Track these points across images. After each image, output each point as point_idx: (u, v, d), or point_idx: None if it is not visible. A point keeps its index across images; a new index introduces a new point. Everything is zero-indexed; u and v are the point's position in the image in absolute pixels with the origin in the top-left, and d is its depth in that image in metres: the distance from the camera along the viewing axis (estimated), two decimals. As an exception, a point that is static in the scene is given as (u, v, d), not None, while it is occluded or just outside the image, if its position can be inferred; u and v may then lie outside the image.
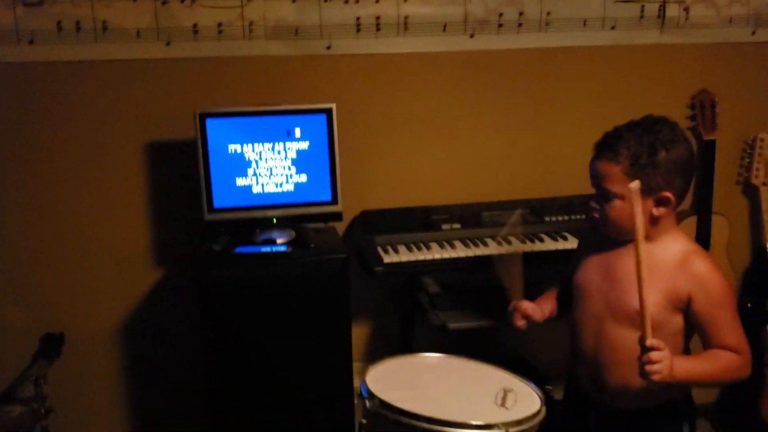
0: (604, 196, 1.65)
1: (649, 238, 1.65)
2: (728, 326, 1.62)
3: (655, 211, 1.62)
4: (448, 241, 2.45)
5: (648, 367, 1.48)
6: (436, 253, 2.37)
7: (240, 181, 2.25)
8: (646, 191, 1.59)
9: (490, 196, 2.62)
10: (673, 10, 2.61)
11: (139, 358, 2.61)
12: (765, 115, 2.76)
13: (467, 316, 2.35)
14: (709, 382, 1.66)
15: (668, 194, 1.61)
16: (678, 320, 1.64)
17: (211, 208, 2.23)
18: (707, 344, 1.64)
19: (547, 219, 2.58)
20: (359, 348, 2.70)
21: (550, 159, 2.69)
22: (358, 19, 2.45)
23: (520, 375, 1.71)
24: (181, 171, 2.42)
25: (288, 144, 2.25)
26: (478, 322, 2.34)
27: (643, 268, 1.44)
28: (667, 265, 1.62)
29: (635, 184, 1.47)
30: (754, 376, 2.68)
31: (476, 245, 2.43)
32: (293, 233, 2.29)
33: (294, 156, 2.27)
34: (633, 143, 1.59)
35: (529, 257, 2.38)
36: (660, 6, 2.60)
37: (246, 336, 2.19)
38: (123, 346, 2.60)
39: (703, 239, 2.71)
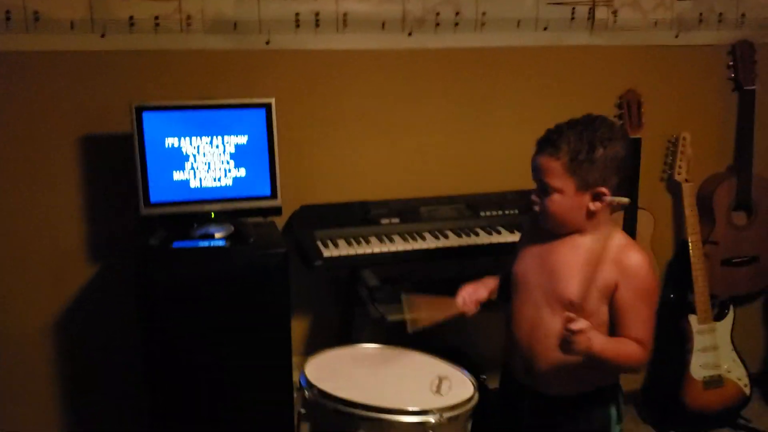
0: (544, 190, 1.70)
1: (585, 230, 1.74)
2: (643, 320, 1.69)
3: (592, 206, 1.70)
4: (387, 236, 2.49)
5: (571, 338, 1.56)
6: (375, 247, 2.41)
7: (177, 176, 2.23)
8: (583, 186, 1.67)
9: (428, 192, 2.68)
10: (602, 12, 2.71)
11: (74, 355, 2.56)
12: (687, 114, 2.90)
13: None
14: (615, 363, 1.68)
15: (604, 190, 1.68)
16: (606, 310, 1.72)
17: (148, 203, 2.21)
18: (618, 332, 1.71)
19: (482, 214, 2.64)
20: (300, 342, 2.71)
21: (485, 155, 2.76)
22: (297, 14, 2.46)
23: (454, 363, 1.76)
24: (117, 165, 2.38)
25: (226, 138, 2.25)
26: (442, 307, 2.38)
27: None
28: (599, 255, 1.69)
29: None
30: (677, 364, 2.85)
31: (414, 239, 2.48)
32: (232, 228, 2.29)
33: (233, 150, 2.26)
34: (573, 140, 1.66)
35: (465, 251, 2.47)
36: (590, 8, 2.70)
37: (185, 331, 2.18)
38: (58, 343, 2.54)
39: (629, 233, 2.83)
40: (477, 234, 2.55)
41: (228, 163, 2.27)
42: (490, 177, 2.74)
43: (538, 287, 1.78)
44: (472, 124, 2.74)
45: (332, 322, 2.71)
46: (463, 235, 2.53)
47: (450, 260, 2.49)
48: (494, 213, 2.66)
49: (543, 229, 1.78)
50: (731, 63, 2.87)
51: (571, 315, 1.56)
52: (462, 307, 1.85)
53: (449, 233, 2.53)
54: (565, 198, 1.68)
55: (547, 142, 1.68)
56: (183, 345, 2.18)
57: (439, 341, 2.74)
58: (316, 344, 2.70)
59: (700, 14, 2.81)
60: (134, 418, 2.55)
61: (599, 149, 1.65)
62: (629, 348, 1.68)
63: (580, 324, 1.55)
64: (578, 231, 1.74)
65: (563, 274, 1.73)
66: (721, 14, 2.83)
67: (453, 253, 2.46)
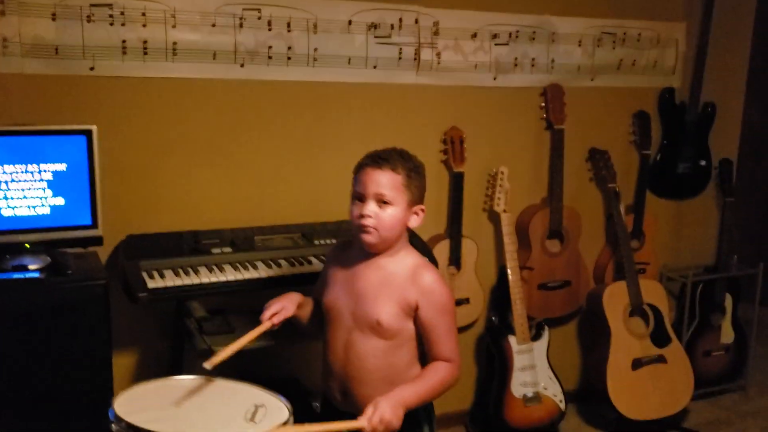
0: (381, 202, 1.79)
1: (388, 252, 1.85)
2: (446, 333, 1.82)
3: (414, 221, 1.85)
4: (217, 265, 2.47)
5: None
6: (204, 278, 2.38)
7: (-13, 204, 2.12)
8: (411, 202, 1.82)
9: (263, 221, 2.70)
10: (426, 54, 2.88)
11: None
12: (505, 150, 3.12)
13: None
14: (434, 396, 1.85)
15: (423, 207, 1.86)
16: (411, 327, 1.84)
17: (-48, 233, 2.08)
18: (427, 349, 1.84)
19: (316, 242, 2.69)
20: (127, 377, 2.61)
21: (320, 185, 2.82)
22: (124, 42, 2.42)
23: (272, 390, 1.78)
24: None
25: (43, 165, 2.16)
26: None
27: None
28: (400, 276, 1.82)
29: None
30: (500, 383, 3.04)
31: (246, 269, 2.48)
32: (48, 259, 2.19)
33: (50, 178, 2.18)
34: (403, 161, 1.82)
35: (298, 279, 2.50)
36: (415, 50, 2.87)
37: (-5, 369, 2.05)
38: None
39: (455, 260, 3.00)
40: (311, 263, 2.59)
41: (45, 191, 2.18)
42: (324, 207, 2.80)
43: (347, 312, 1.86)
44: (306, 154, 2.80)
45: (162, 356, 2.64)
46: (297, 264, 2.56)
47: (283, 289, 2.50)
48: (329, 241, 2.72)
49: (348, 255, 1.87)
50: (543, 104, 3.15)
51: (374, 421, 1.64)
52: (269, 325, 1.87)
53: (282, 262, 2.55)
54: (397, 212, 1.80)
55: (384, 160, 1.80)
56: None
57: (273, 371, 2.76)
58: (145, 379, 2.62)
59: (515, 59, 3.07)
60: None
61: (419, 172, 1.85)
62: (441, 373, 1.81)
63: (375, 419, 1.64)
64: (390, 248, 1.84)
65: (368, 296, 1.82)
66: (533, 59, 3.10)
67: (286, 282, 2.48)
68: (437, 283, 1.83)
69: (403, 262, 1.85)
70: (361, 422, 1.65)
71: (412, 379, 1.82)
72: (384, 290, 1.80)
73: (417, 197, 1.84)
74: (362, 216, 1.80)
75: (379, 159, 1.81)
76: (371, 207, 1.79)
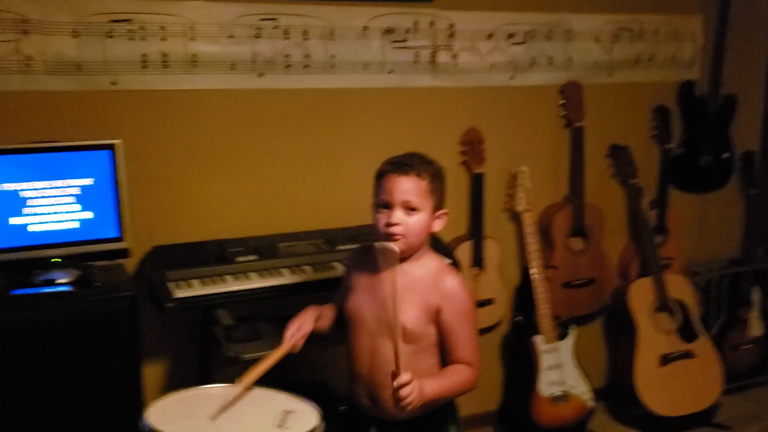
0: (409, 209, 1.79)
1: (413, 257, 1.85)
2: (467, 339, 1.83)
3: (437, 225, 1.85)
4: (243, 273, 2.49)
5: (402, 403, 1.67)
6: (230, 286, 2.41)
7: (15, 221, 2.16)
8: (436, 207, 1.83)
9: (286, 228, 2.72)
10: (443, 56, 2.89)
11: None
12: (525, 149, 3.11)
13: (261, 345, 2.38)
14: (451, 395, 1.86)
15: (446, 210, 1.86)
16: (433, 331, 1.84)
17: (-17, 250, 2.12)
18: (448, 353, 1.85)
19: (339, 248, 2.71)
20: (157, 388, 2.65)
21: (340, 191, 2.84)
22: (144, 56, 2.46)
23: (301, 396, 1.80)
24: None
25: (70, 181, 2.21)
26: (271, 351, 2.40)
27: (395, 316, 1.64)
28: (423, 281, 1.83)
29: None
30: (527, 383, 3.03)
31: (271, 275, 2.50)
32: (77, 273, 2.23)
33: (78, 193, 2.22)
34: (426, 166, 1.82)
35: (322, 284, 2.52)
36: (431, 53, 2.87)
37: (28, 383, 2.08)
38: None
39: (477, 261, 3.00)
40: (334, 268, 2.61)
41: (72, 206, 2.22)
42: (346, 212, 2.81)
43: (372, 317, 1.86)
44: (326, 161, 2.82)
45: (190, 365, 2.67)
46: (321, 269, 2.58)
47: (308, 294, 2.53)
48: (351, 246, 2.72)
49: (370, 261, 1.87)
50: (562, 102, 3.14)
51: (404, 379, 1.67)
52: (290, 345, 1.91)
53: (307, 268, 2.57)
54: (423, 218, 1.80)
55: (408, 166, 1.80)
56: (27, 397, 2.08)
57: (299, 375, 2.78)
58: (175, 388, 2.64)
59: (532, 57, 3.06)
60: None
61: (441, 176, 1.86)
62: (460, 375, 1.82)
63: (403, 378, 1.66)
64: (415, 253, 1.85)
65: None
66: (550, 57, 3.09)
67: (311, 288, 2.50)
68: (459, 287, 1.84)
69: (426, 266, 1.86)
70: (405, 377, 1.66)
71: (433, 375, 1.82)
72: (408, 295, 1.81)
73: (440, 201, 1.85)
74: (390, 224, 1.79)
75: (403, 165, 1.80)
76: (398, 215, 1.78)
